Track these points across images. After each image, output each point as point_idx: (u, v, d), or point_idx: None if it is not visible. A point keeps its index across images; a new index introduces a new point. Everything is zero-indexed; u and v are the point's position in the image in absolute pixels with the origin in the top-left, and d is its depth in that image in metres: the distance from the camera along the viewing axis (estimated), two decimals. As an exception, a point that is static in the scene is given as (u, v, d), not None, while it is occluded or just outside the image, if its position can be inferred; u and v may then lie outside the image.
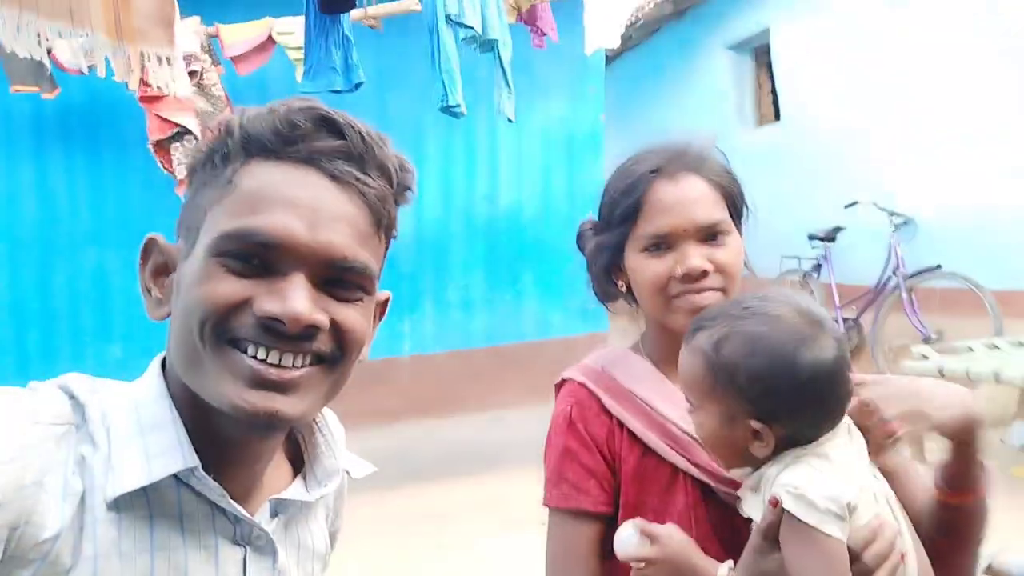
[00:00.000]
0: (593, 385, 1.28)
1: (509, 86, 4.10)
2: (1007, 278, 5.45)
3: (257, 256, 0.76)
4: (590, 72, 6.02)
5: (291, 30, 4.42)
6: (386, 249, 0.89)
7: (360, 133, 0.81)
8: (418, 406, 5.45)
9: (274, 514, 0.88)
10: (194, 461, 0.77)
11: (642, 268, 1.22)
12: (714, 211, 1.23)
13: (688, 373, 1.12)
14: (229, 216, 0.77)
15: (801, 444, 1.06)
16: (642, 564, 1.09)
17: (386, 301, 0.96)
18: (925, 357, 3.95)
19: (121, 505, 0.76)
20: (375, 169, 0.82)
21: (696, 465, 1.20)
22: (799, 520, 0.99)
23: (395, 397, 5.44)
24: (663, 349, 1.28)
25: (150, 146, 4.33)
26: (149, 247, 0.86)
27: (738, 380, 1.05)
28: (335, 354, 0.81)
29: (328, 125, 0.80)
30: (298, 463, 0.95)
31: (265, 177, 0.78)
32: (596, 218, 1.34)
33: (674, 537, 1.10)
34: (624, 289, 1.30)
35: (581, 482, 1.23)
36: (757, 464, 1.09)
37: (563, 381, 1.35)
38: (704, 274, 1.18)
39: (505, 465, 4.36)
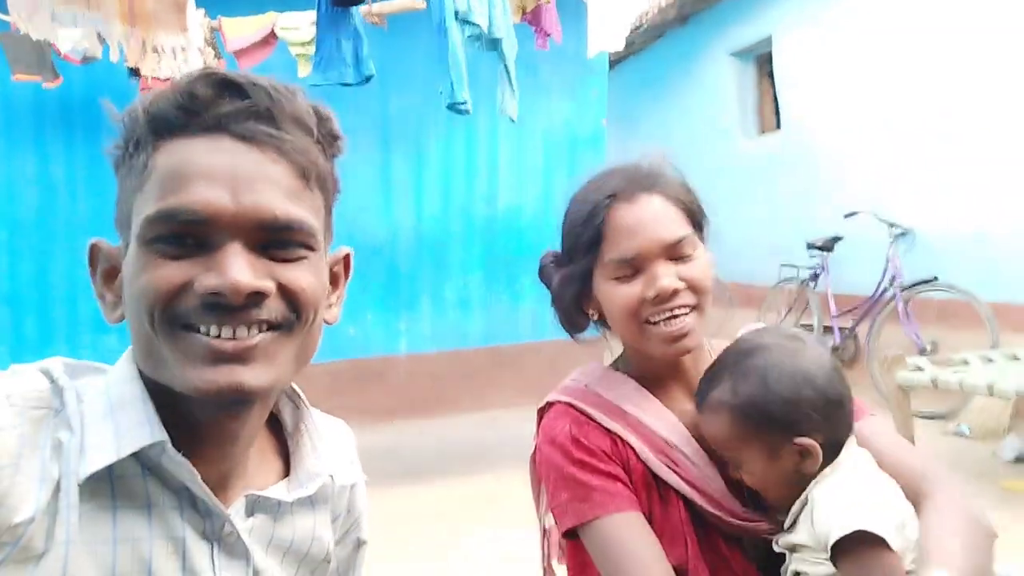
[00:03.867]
0: (582, 404, 1.26)
1: (513, 86, 4.10)
2: (1004, 290, 5.46)
3: (188, 235, 0.74)
4: (593, 75, 6.02)
5: (294, 25, 4.42)
6: (329, 205, 0.86)
7: (265, 89, 0.78)
8: (413, 405, 5.45)
9: (251, 512, 0.85)
10: (162, 435, 0.76)
11: (612, 295, 1.20)
12: (677, 228, 1.21)
13: (719, 432, 1.17)
14: (152, 201, 0.75)
15: (839, 447, 1.15)
16: None
17: (347, 258, 0.93)
18: (920, 368, 3.95)
19: (88, 492, 0.74)
20: (289, 122, 0.79)
21: (689, 483, 1.20)
22: (867, 534, 1.02)
23: (391, 395, 5.44)
24: (645, 368, 1.28)
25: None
26: (94, 253, 0.85)
27: (770, 410, 1.12)
28: (288, 318, 0.78)
29: (230, 88, 0.77)
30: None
31: (178, 154, 0.76)
32: (557, 250, 1.32)
33: None
34: (595, 318, 1.29)
35: (609, 486, 1.18)
36: (806, 485, 1.14)
37: (547, 405, 1.33)
38: (675, 293, 1.17)
39: (499, 465, 4.35)
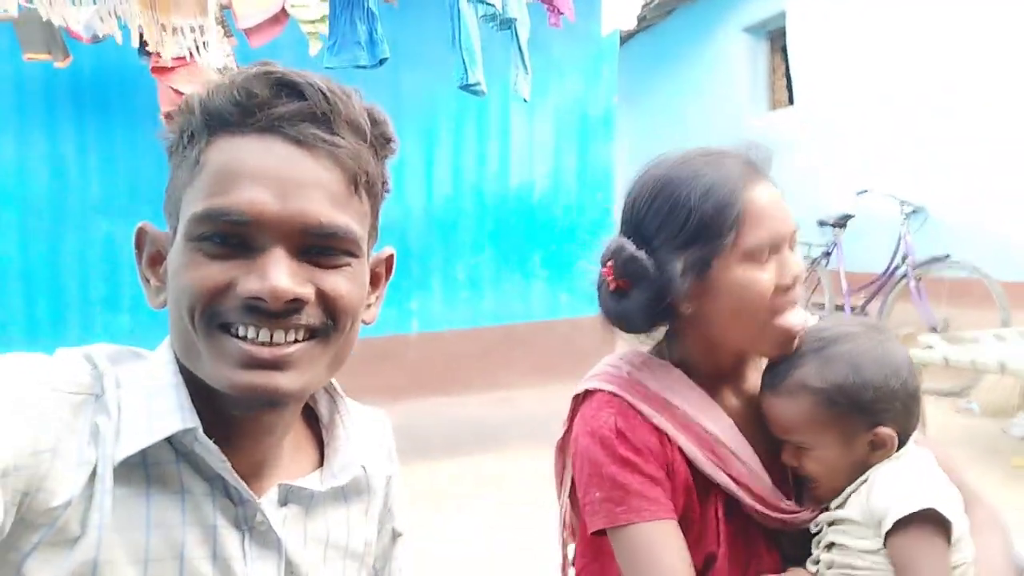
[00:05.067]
0: (627, 395, 1.19)
1: (526, 65, 4.07)
2: (1016, 269, 5.44)
3: (234, 235, 0.75)
4: (605, 53, 5.97)
5: (305, 3, 4.38)
6: (376, 208, 0.86)
7: (322, 91, 0.77)
8: (425, 384, 5.47)
9: (284, 502, 0.86)
10: (194, 422, 0.76)
11: (748, 283, 1.11)
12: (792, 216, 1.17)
13: (795, 416, 1.16)
14: (199, 198, 0.75)
15: (906, 440, 1.17)
16: None
17: (390, 258, 0.94)
18: (931, 347, 3.95)
19: (123, 477, 0.75)
20: (344, 127, 0.79)
21: (736, 481, 1.17)
22: (934, 514, 1.06)
23: (402, 374, 5.46)
24: (700, 359, 1.23)
25: (162, 117, 4.33)
26: (141, 237, 0.85)
27: (858, 396, 1.12)
28: (326, 324, 0.79)
29: (287, 88, 0.77)
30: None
31: (229, 153, 0.76)
32: (631, 238, 1.18)
33: None
34: (689, 311, 1.17)
35: (648, 491, 1.14)
36: (861, 473, 1.16)
37: (586, 392, 1.25)
38: (797, 281, 1.15)
39: (511, 444, 4.39)
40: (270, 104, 0.76)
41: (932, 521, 1.06)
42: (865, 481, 1.14)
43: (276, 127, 0.76)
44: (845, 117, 6.94)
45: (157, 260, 0.84)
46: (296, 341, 0.77)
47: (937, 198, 6.03)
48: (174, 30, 3.12)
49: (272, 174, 0.75)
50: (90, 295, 4.94)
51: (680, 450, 1.17)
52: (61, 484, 0.72)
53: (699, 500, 1.19)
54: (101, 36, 3.77)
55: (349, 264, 0.80)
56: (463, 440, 4.64)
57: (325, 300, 0.78)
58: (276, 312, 0.74)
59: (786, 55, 7.89)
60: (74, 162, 4.90)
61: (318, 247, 0.77)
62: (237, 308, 0.74)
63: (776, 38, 8.24)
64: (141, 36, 3.43)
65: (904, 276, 5.73)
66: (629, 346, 1.32)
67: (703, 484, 1.19)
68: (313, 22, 4.32)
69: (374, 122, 0.83)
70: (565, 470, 1.31)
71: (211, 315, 0.75)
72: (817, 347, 1.16)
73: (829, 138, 7.14)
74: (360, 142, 0.80)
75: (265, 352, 0.75)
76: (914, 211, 6.03)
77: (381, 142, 0.84)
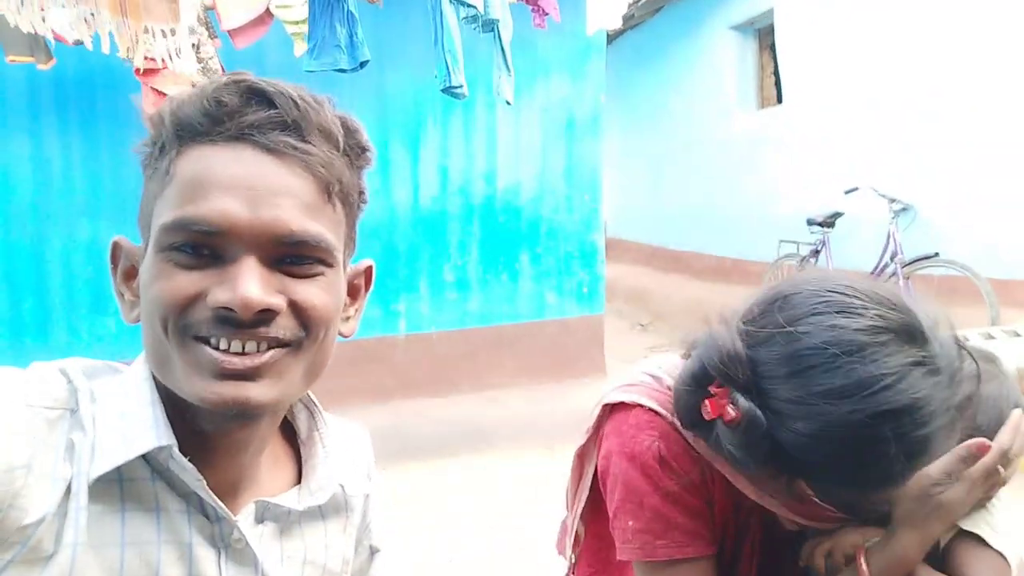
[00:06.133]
0: (670, 415, 1.11)
1: (508, 68, 4.06)
2: (1005, 267, 5.45)
3: (204, 245, 0.73)
4: (591, 51, 5.97)
5: (289, 3, 4.36)
6: (352, 218, 0.85)
7: (293, 99, 0.76)
8: (412, 385, 5.46)
9: (261, 519, 0.85)
10: (169, 440, 0.75)
11: None
12: None
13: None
14: (169, 208, 0.74)
15: None
16: None
17: (368, 270, 0.92)
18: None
19: (98, 494, 0.74)
20: (315, 134, 0.77)
21: (777, 509, 1.11)
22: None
23: (389, 376, 5.44)
24: None
25: (145, 120, 4.29)
26: (116, 251, 0.84)
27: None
28: (298, 335, 0.77)
29: (257, 96, 0.76)
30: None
31: (199, 162, 0.75)
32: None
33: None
34: None
35: (692, 526, 1.10)
36: None
37: (621, 404, 1.16)
38: None
39: (499, 445, 4.38)
40: (240, 112, 0.75)
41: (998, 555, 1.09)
42: None
43: (246, 135, 0.75)
44: (834, 116, 6.95)
45: (131, 274, 0.83)
46: (268, 350, 0.75)
47: (925, 196, 6.05)
48: (148, 31, 3.09)
49: (242, 183, 0.73)
50: (75, 299, 4.90)
51: (721, 479, 1.11)
52: (35, 501, 0.70)
53: (736, 531, 1.15)
54: (71, 42, 3.74)
55: (323, 274, 0.78)
56: (451, 440, 4.62)
57: (297, 310, 0.76)
58: (247, 323, 0.73)
59: (774, 53, 7.90)
60: (58, 164, 4.86)
61: (290, 256, 0.76)
62: (208, 319, 0.73)
63: (764, 36, 8.25)
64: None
65: (893, 274, 5.74)
66: (663, 354, 1.24)
67: (744, 517, 1.15)
68: (298, 23, 4.30)
69: (347, 130, 0.81)
70: (583, 479, 1.25)
71: (184, 326, 0.74)
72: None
73: (818, 137, 7.15)
74: (332, 150, 0.79)
75: (236, 362, 0.73)
76: (903, 209, 6.04)
77: (356, 151, 0.82)
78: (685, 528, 1.09)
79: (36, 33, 3.00)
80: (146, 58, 3.53)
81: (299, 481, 0.91)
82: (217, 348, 0.73)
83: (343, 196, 0.81)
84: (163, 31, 3.11)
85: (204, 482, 0.77)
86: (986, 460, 1.02)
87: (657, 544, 1.10)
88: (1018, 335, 4.41)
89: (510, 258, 5.84)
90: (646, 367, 1.21)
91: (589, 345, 5.89)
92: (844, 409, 0.88)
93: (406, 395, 5.37)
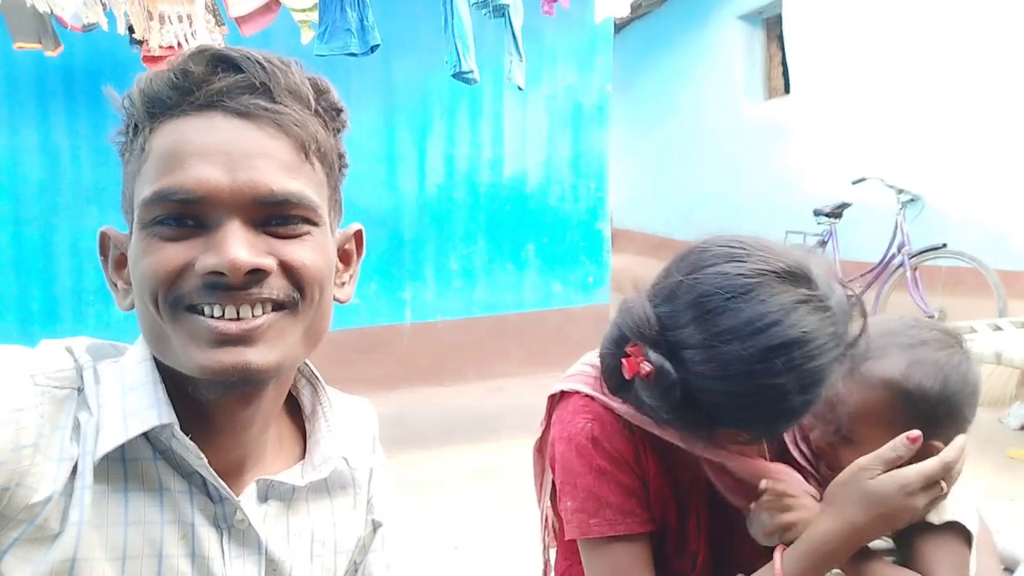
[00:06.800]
0: (604, 398, 1.16)
1: (520, 53, 4.05)
2: (1012, 258, 5.43)
3: (186, 215, 0.73)
4: (599, 40, 5.94)
5: (295, -9, 4.35)
6: (334, 180, 0.85)
7: (259, 62, 0.76)
8: (418, 374, 5.47)
9: (264, 498, 0.84)
10: (170, 418, 0.75)
11: None
12: None
13: (859, 406, 1.10)
14: (147, 183, 0.74)
15: None
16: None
17: (358, 234, 0.92)
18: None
19: (102, 473, 0.74)
20: (285, 95, 0.77)
21: (717, 491, 1.15)
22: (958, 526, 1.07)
23: (395, 364, 5.45)
24: None
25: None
26: (104, 242, 0.84)
27: (934, 406, 1.08)
28: (292, 296, 0.77)
29: (223, 63, 0.76)
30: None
31: (173, 134, 0.75)
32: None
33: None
34: None
35: (624, 503, 1.13)
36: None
37: (562, 393, 1.22)
38: None
39: (504, 434, 4.38)
40: (207, 81, 0.75)
41: (955, 531, 1.08)
42: None
43: (216, 102, 0.75)
44: (841, 106, 6.91)
45: (122, 263, 0.82)
46: (264, 314, 0.75)
47: (934, 187, 6.02)
48: (162, 18, 3.09)
49: (217, 148, 0.73)
50: (82, 285, 4.92)
51: (655, 457, 1.15)
52: (42, 480, 0.71)
53: (678, 510, 1.17)
54: (89, 24, 3.73)
55: (309, 233, 0.78)
56: (457, 429, 4.63)
57: (288, 270, 0.76)
58: (238, 285, 0.72)
59: (782, 43, 7.85)
60: (66, 152, 4.87)
61: (275, 216, 0.75)
62: (198, 287, 0.72)
63: (772, 26, 8.20)
64: (130, 25, 3.40)
65: (900, 265, 5.72)
66: None
67: (684, 493, 1.17)
68: (304, 10, 4.29)
69: (318, 90, 0.81)
70: (545, 473, 1.29)
71: (175, 299, 0.73)
72: (905, 343, 1.11)
73: (826, 127, 7.11)
74: (304, 110, 0.79)
75: (232, 327, 0.73)
76: (911, 200, 6.01)
77: (330, 112, 0.82)
78: (617, 506, 1.13)
79: (52, 13, 2.99)
80: (160, 47, 3.53)
81: (304, 458, 0.91)
82: (212, 317, 0.73)
83: (321, 155, 0.80)
84: (179, 15, 3.10)
85: (206, 461, 0.77)
86: (928, 468, 1.02)
87: (591, 523, 1.13)
88: (1025, 326, 4.39)
89: (516, 247, 5.83)
90: (586, 358, 1.25)
91: (594, 335, 5.85)
92: (739, 347, 0.94)
93: (411, 383, 5.38)
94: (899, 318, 1.18)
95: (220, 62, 0.75)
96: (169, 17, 3.11)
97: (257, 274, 0.73)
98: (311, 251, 0.78)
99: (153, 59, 4.12)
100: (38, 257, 4.86)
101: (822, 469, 1.19)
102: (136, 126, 0.77)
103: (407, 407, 5.02)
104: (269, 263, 0.74)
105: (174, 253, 0.73)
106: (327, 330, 0.84)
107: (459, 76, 3.85)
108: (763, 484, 1.11)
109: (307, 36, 4.29)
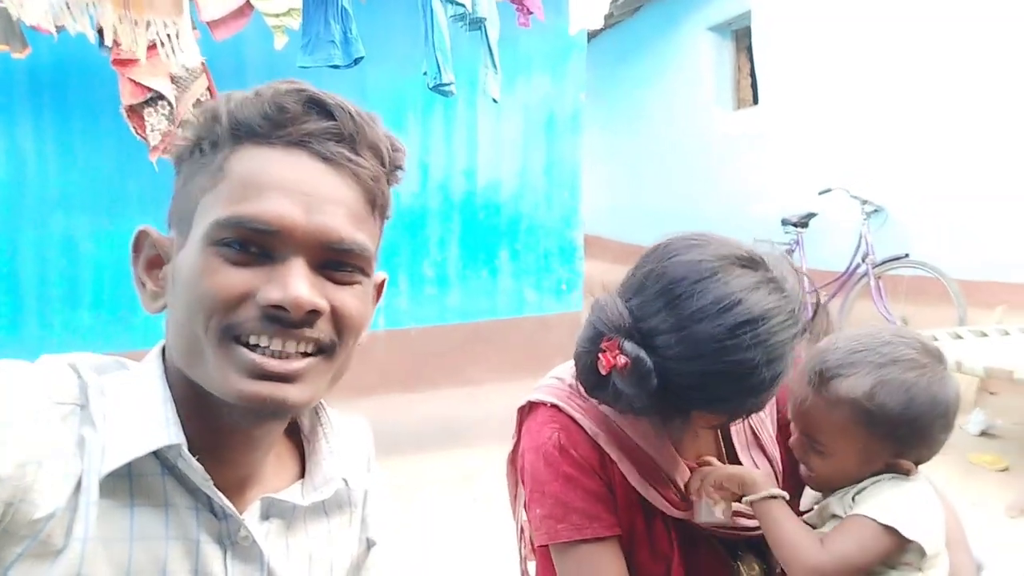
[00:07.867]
0: (569, 408, 1.21)
1: (495, 66, 4.07)
2: (972, 268, 5.56)
3: (255, 243, 0.75)
4: (572, 51, 5.99)
5: (269, -5, 4.32)
6: (380, 231, 0.88)
7: (350, 113, 0.79)
8: (392, 381, 5.45)
9: (266, 516, 0.85)
10: (179, 438, 0.76)
11: None
12: None
13: (826, 420, 1.14)
14: (223, 203, 0.75)
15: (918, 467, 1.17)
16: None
17: (382, 284, 0.95)
18: (890, 344, 4.02)
19: (108, 489, 0.75)
20: (367, 149, 0.81)
21: (673, 505, 1.19)
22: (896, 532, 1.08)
23: (369, 372, 5.42)
24: None
25: (123, 110, 4.24)
26: (141, 240, 0.84)
27: (898, 427, 1.11)
28: (333, 340, 0.79)
29: (317, 106, 0.78)
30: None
31: (257, 162, 0.77)
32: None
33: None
34: None
35: (590, 508, 1.16)
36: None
37: (531, 405, 1.26)
38: None
39: (477, 441, 4.38)
40: (300, 120, 0.77)
41: (870, 520, 1.10)
42: (860, 488, 1.15)
43: (304, 142, 0.77)
44: (808, 118, 7.03)
45: (156, 264, 0.84)
46: (305, 355, 0.77)
47: (897, 198, 6.14)
48: (147, 24, 3.06)
49: (299, 187, 0.76)
50: (48, 292, 4.84)
51: (619, 469, 1.18)
52: (46, 496, 0.71)
53: (645, 519, 1.20)
54: (72, 32, 3.68)
55: (360, 282, 0.81)
56: (430, 436, 4.63)
57: (337, 316, 0.79)
58: (295, 323, 0.75)
59: (751, 54, 7.97)
60: (32, 156, 4.78)
61: (335, 262, 0.78)
62: (256, 318, 0.74)
63: (741, 37, 8.33)
64: (100, 30, 3.37)
65: (865, 274, 5.83)
66: None
67: (649, 505, 1.19)
68: (279, 15, 4.26)
69: (394, 149, 0.85)
70: (518, 485, 1.31)
71: (227, 325, 0.75)
72: (876, 361, 1.13)
73: (792, 138, 7.23)
74: (379, 166, 0.82)
75: (274, 364, 0.75)
76: (875, 211, 6.13)
77: (393, 169, 0.86)
78: (584, 511, 1.15)
79: (20, 18, 2.95)
80: (116, 43, 3.48)
81: (302, 476, 0.92)
82: (256, 347, 0.75)
83: (382, 210, 0.85)
84: (164, 23, 3.08)
85: (211, 481, 0.78)
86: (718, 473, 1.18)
87: (559, 528, 1.16)
88: (985, 335, 4.51)
89: (489, 255, 5.85)
90: (557, 369, 1.30)
91: (567, 342, 5.84)
92: (709, 326, 1.01)
93: (386, 391, 5.36)
94: (875, 332, 1.19)
95: (314, 105, 0.78)
96: (156, 24, 3.08)
97: (313, 315, 0.76)
98: (359, 300, 0.81)
99: (123, 62, 4.08)
100: (2, 263, 4.77)
101: (801, 471, 1.23)
102: (215, 143, 0.79)
103: (381, 414, 4.99)
104: (325, 305, 0.77)
105: (238, 279, 0.74)
106: (347, 371, 0.87)
107: (437, 89, 3.87)
108: (691, 478, 1.19)
109: (280, 42, 4.26)
